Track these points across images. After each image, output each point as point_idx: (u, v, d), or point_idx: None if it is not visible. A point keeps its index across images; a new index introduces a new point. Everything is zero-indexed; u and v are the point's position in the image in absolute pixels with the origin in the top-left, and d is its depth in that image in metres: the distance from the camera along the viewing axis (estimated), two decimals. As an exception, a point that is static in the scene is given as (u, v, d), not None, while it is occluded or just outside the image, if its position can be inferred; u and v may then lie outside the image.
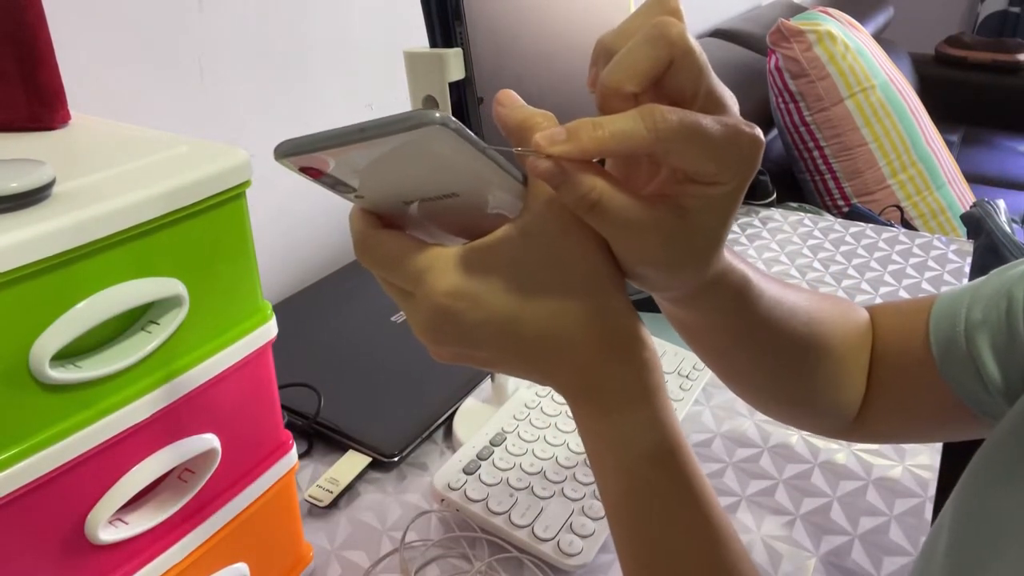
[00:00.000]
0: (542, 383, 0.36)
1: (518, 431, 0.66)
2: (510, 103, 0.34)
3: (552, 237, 0.33)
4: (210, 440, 0.44)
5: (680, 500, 0.34)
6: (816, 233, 1.19)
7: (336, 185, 0.32)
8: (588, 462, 0.37)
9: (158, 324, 0.40)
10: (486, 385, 0.75)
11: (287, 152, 0.30)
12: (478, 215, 0.34)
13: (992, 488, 0.37)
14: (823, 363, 0.47)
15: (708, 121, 0.31)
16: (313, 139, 0.29)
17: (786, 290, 0.45)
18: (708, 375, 0.77)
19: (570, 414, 0.70)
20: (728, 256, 0.38)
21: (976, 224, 1.28)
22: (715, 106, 0.32)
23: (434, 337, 0.34)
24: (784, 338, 0.44)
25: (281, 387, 0.50)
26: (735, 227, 1.20)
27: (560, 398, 0.71)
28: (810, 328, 0.46)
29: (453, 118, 0.27)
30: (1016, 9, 3.72)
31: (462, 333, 0.33)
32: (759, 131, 0.32)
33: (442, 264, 0.33)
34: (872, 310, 0.52)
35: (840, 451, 0.71)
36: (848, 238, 1.17)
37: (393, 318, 0.84)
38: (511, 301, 0.33)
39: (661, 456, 0.34)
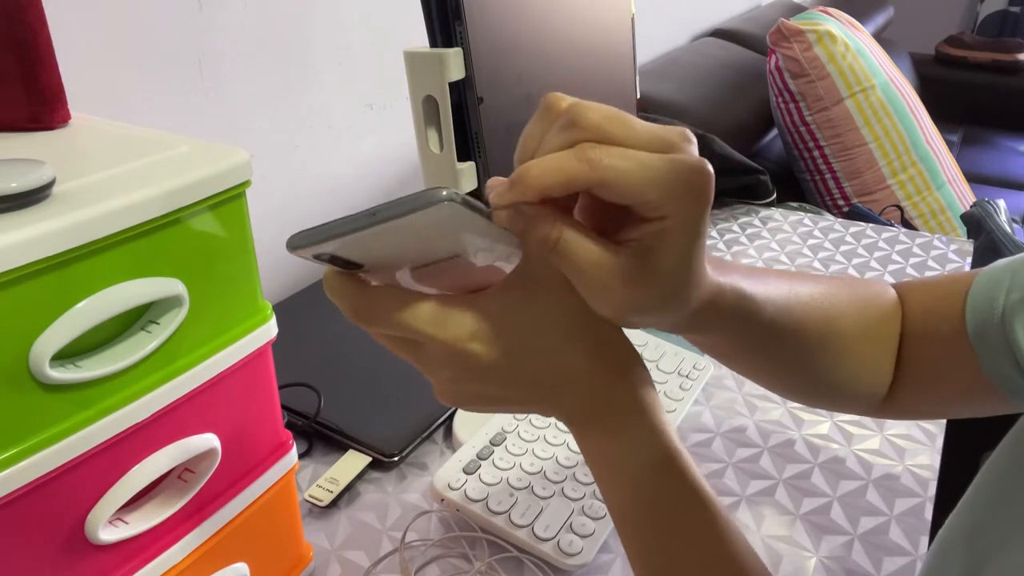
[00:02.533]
0: (547, 415, 0.38)
1: (518, 431, 0.66)
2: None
3: (552, 282, 0.34)
4: (210, 440, 0.44)
5: (687, 502, 0.36)
6: (816, 233, 1.19)
7: (347, 265, 0.33)
8: (596, 484, 0.39)
9: (158, 324, 0.40)
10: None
11: (300, 244, 0.31)
12: (472, 269, 0.35)
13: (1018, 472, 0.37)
14: (844, 355, 0.47)
15: (645, 153, 0.31)
16: (325, 230, 0.30)
17: (795, 288, 0.45)
18: (708, 375, 0.77)
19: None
20: (718, 277, 0.37)
21: (976, 224, 1.28)
22: (660, 149, 0.32)
23: (452, 377, 0.36)
24: (798, 339, 0.44)
25: (281, 387, 0.50)
26: (735, 227, 1.20)
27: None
28: (826, 325, 0.46)
29: (458, 192, 0.29)
30: (1016, 9, 3.72)
31: (478, 374, 0.35)
32: (706, 163, 0.32)
33: (455, 313, 0.34)
34: (902, 288, 0.51)
35: (840, 451, 0.71)
36: (848, 238, 1.17)
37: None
38: (522, 342, 0.34)
39: (665, 463, 0.36)
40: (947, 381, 0.49)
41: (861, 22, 1.94)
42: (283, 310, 0.77)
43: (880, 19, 2.67)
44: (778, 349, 0.44)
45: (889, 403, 0.51)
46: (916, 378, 0.50)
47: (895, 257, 1.11)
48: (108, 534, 0.40)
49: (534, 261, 0.34)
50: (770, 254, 1.12)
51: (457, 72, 0.53)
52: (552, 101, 0.33)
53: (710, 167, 0.32)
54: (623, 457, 0.36)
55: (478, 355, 0.34)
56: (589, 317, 0.35)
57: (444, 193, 0.28)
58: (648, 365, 0.76)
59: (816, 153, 1.68)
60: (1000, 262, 0.47)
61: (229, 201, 0.42)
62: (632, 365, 0.37)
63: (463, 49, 0.53)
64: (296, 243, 0.31)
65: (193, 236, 0.40)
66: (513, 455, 0.64)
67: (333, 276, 0.34)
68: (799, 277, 0.46)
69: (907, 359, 0.50)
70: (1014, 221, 1.34)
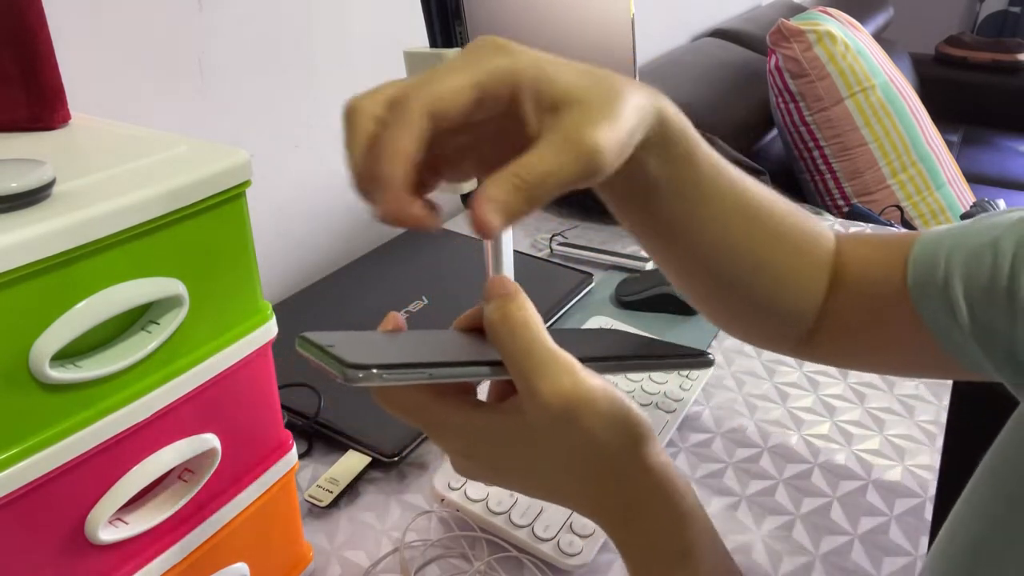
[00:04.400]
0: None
1: (518, 431, 0.66)
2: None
3: (544, 429, 0.34)
4: (210, 440, 0.44)
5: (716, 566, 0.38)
6: (816, 233, 1.19)
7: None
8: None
9: (158, 324, 0.40)
10: (486, 385, 0.75)
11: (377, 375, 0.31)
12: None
13: None
14: (772, 256, 0.46)
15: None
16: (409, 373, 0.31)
17: (738, 171, 0.46)
18: (708, 375, 0.77)
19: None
20: (663, 102, 0.38)
21: (976, 224, 1.28)
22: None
23: (466, 461, 0.38)
24: (731, 214, 0.44)
25: (281, 387, 0.50)
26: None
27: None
28: (762, 215, 0.45)
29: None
30: (1016, 9, 3.72)
31: (495, 472, 0.38)
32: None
33: (476, 417, 0.36)
34: (843, 238, 0.51)
35: (840, 451, 0.71)
36: (848, 238, 1.17)
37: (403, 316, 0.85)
38: (537, 471, 0.36)
39: (694, 552, 0.37)
40: (882, 329, 0.48)
41: (861, 22, 1.94)
42: (283, 310, 0.77)
43: (880, 19, 2.67)
44: (707, 219, 0.43)
45: (815, 338, 0.50)
46: (844, 323, 0.49)
47: (895, 257, 1.11)
48: (108, 534, 0.40)
49: (528, 412, 0.34)
50: (770, 254, 1.12)
51: (457, 72, 0.53)
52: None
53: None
54: (653, 555, 0.37)
55: (483, 457, 0.37)
56: (605, 459, 0.35)
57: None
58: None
59: (816, 153, 1.68)
60: (941, 227, 0.47)
61: (229, 201, 0.42)
62: (668, 500, 0.37)
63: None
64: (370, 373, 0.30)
65: (193, 236, 0.40)
66: (513, 455, 0.64)
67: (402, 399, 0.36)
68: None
69: (841, 304, 0.49)
70: (1014, 221, 1.34)
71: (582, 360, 0.34)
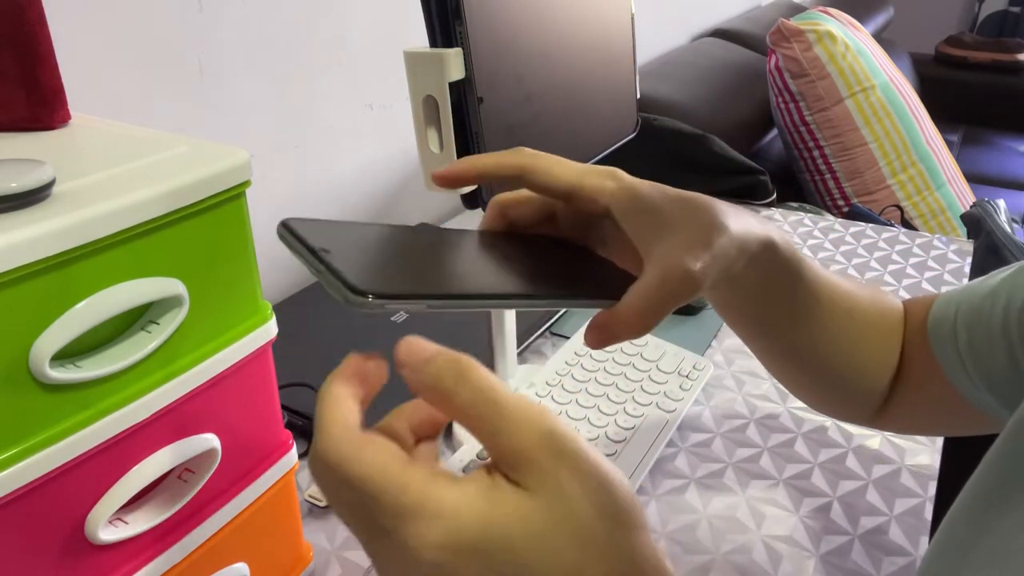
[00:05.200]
0: None
1: (518, 431, 0.66)
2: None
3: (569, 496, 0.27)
4: (210, 440, 0.44)
5: None
6: (816, 233, 1.19)
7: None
8: None
9: (158, 324, 0.40)
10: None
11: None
12: None
13: None
14: (858, 343, 0.49)
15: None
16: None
17: (826, 270, 0.48)
18: (708, 375, 0.77)
19: (569, 413, 0.70)
20: (771, 232, 0.41)
21: (976, 224, 1.28)
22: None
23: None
24: (827, 315, 0.47)
25: (281, 387, 0.50)
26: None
27: (560, 394, 0.71)
28: (851, 308, 0.48)
29: None
30: (1016, 9, 3.72)
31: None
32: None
33: (442, 507, 0.26)
34: (906, 305, 0.54)
35: (840, 451, 0.71)
36: (848, 238, 1.17)
37: (393, 317, 0.84)
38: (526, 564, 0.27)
39: None
40: (925, 395, 0.51)
41: (861, 22, 1.94)
42: (283, 310, 0.77)
43: (880, 19, 2.67)
44: (808, 319, 0.46)
45: (884, 411, 0.53)
46: (903, 390, 0.52)
47: (895, 257, 1.11)
48: (108, 534, 0.40)
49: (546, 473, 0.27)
50: (770, 254, 1.12)
51: (457, 72, 0.53)
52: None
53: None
54: None
55: (456, 570, 0.26)
56: (608, 542, 0.27)
57: None
58: (648, 365, 0.76)
59: (816, 153, 1.68)
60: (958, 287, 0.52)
61: (229, 201, 0.42)
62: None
63: (463, 49, 0.53)
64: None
65: (193, 236, 0.40)
66: (513, 455, 0.64)
67: (329, 395, 0.30)
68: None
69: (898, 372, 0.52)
70: (1014, 221, 1.34)
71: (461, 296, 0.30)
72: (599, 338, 0.37)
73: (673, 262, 0.36)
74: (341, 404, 0.29)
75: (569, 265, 0.40)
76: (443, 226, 1.14)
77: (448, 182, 0.41)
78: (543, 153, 0.40)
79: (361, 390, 0.31)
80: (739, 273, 0.40)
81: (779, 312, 0.46)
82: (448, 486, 0.27)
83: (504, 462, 0.28)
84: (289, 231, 0.28)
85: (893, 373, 0.51)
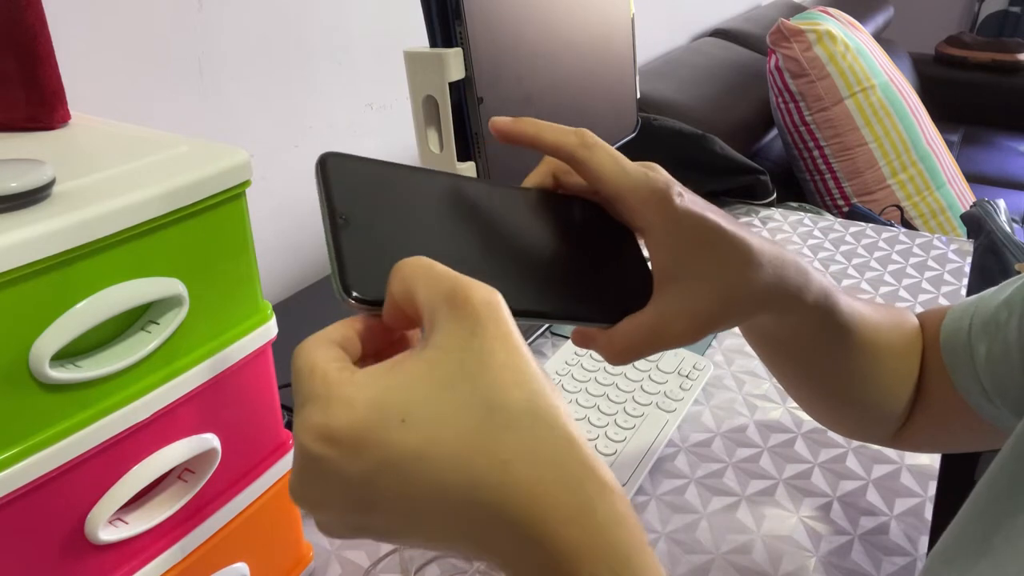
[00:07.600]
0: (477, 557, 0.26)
1: (518, 431, 0.66)
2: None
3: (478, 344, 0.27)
4: (210, 440, 0.44)
5: None
6: (816, 233, 1.19)
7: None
8: None
9: (158, 324, 0.40)
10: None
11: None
12: None
13: None
14: (881, 368, 0.50)
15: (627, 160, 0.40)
16: None
17: (853, 299, 0.49)
18: (708, 375, 0.77)
19: (578, 401, 0.69)
20: (814, 278, 0.43)
21: (976, 224, 1.28)
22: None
23: (303, 496, 0.26)
24: (854, 343, 0.47)
25: (281, 387, 0.50)
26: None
27: (560, 394, 0.71)
28: (875, 336, 0.49)
29: None
30: (1016, 9, 3.72)
31: (338, 490, 0.25)
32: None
33: (341, 394, 0.25)
34: (920, 319, 0.54)
35: (840, 451, 0.71)
36: (848, 238, 1.17)
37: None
38: (414, 436, 0.24)
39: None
40: (940, 412, 0.52)
41: (861, 22, 1.94)
42: (283, 310, 0.77)
43: (880, 19, 2.67)
44: (835, 352, 0.47)
45: (903, 432, 0.54)
46: (920, 409, 0.53)
47: (895, 257, 1.11)
48: (108, 534, 0.40)
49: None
50: (770, 254, 1.12)
51: (457, 72, 0.53)
52: None
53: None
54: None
55: (332, 462, 0.25)
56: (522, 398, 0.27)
57: None
58: (648, 365, 0.76)
59: (816, 153, 1.68)
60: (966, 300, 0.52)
61: (229, 201, 0.42)
62: (598, 493, 0.26)
63: (463, 49, 0.53)
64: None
65: (193, 236, 0.40)
66: (513, 455, 0.63)
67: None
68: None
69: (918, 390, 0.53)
70: (1014, 221, 1.34)
71: None
72: (580, 343, 0.41)
73: (673, 317, 0.38)
74: (332, 330, 0.31)
75: (592, 262, 0.40)
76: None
77: (504, 135, 0.40)
78: (602, 144, 0.38)
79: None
80: (769, 316, 0.42)
81: (807, 346, 0.47)
82: (365, 379, 0.26)
83: (424, 329, 0.27)
84: (323, 174, 0.26)
85: (913, 395, 0.52)
